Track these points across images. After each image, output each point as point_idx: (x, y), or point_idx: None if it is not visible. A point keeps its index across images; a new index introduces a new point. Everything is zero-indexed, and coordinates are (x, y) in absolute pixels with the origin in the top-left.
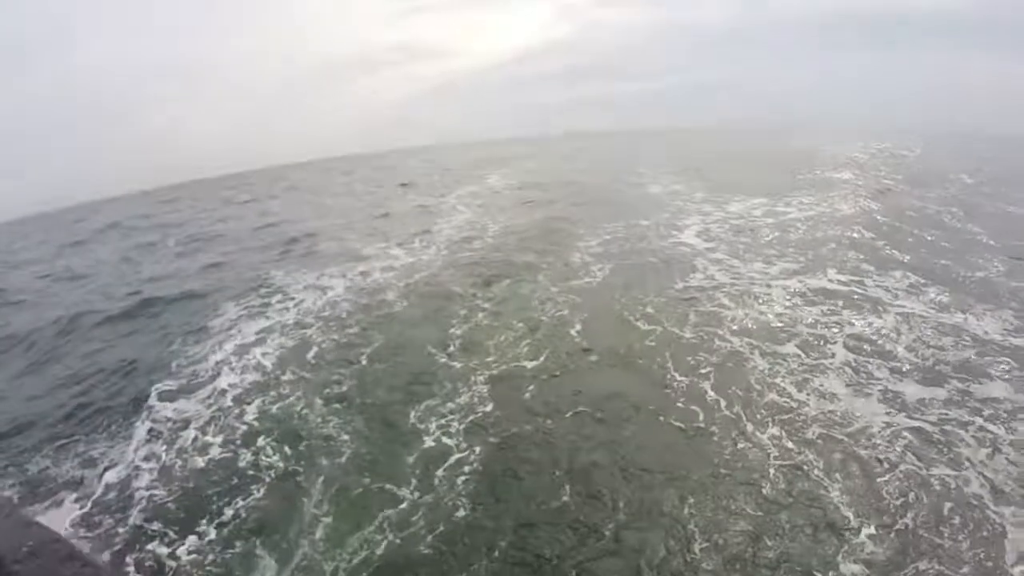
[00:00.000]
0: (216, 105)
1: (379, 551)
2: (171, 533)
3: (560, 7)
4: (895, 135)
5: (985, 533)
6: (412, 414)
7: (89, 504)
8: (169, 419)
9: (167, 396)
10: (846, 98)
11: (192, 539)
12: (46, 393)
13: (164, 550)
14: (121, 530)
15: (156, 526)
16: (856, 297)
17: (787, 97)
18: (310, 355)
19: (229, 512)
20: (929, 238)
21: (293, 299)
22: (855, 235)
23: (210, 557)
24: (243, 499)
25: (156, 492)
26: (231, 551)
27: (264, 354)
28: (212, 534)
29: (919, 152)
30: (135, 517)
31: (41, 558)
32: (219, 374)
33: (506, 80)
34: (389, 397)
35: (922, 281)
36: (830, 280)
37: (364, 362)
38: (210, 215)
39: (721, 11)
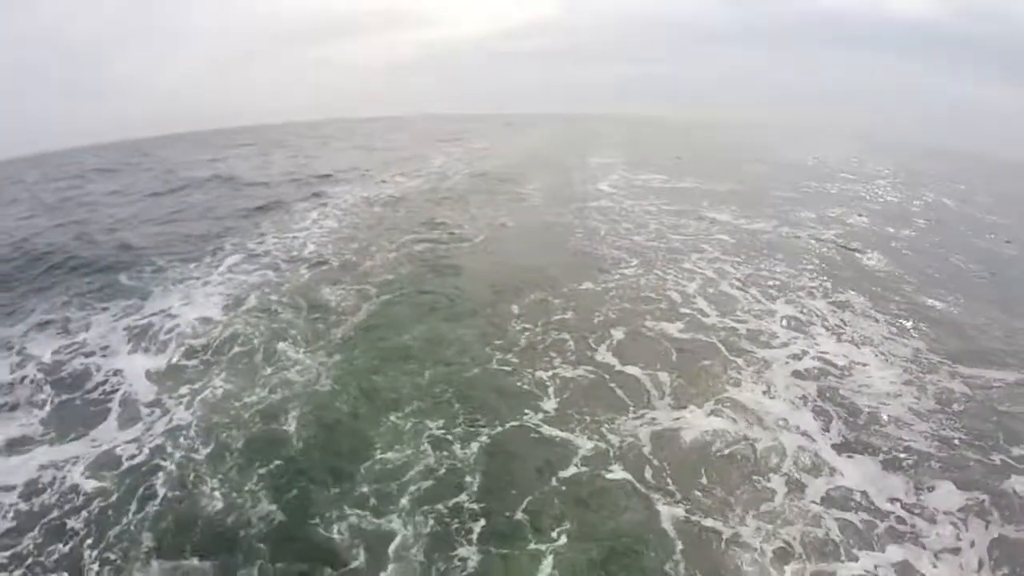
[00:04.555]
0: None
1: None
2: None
3: None
4: (827, 136)
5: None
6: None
7: None
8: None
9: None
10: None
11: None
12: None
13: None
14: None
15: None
16: (687, 210)
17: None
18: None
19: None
20: (784, 194)
21: (334, 199)
22: (719, 193)
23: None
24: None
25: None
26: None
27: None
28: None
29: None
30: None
31: None
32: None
33: (485, 56)
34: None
35: (741, 211)
36: (681, 206)
37: (362, 236)
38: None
39: (708, 9)
